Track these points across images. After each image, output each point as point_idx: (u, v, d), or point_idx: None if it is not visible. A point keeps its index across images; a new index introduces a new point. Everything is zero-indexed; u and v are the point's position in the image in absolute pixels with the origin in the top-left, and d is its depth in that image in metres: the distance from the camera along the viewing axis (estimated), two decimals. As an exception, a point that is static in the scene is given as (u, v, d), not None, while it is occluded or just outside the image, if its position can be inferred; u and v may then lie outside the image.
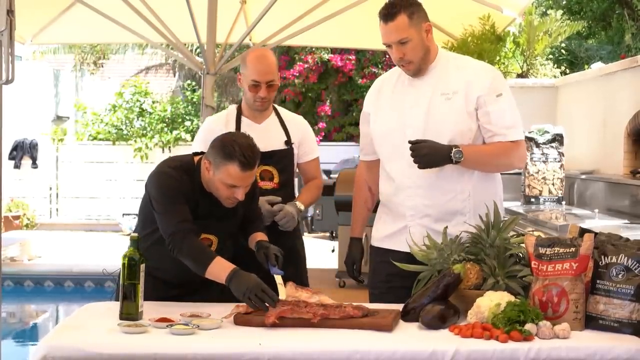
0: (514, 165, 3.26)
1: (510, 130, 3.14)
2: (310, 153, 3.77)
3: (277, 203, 3.55)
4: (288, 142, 3.67)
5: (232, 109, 3.74)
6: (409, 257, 3.05)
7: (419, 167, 3.05)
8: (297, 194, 3.80)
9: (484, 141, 3.18)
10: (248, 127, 3.63)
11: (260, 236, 3.24)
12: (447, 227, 3.03)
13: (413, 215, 3.16)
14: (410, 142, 3.04)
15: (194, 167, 3.12)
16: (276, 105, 3.76)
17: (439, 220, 3.12)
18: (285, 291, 2.92)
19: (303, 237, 3.95)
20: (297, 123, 3.77)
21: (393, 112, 3.24)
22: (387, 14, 3.11)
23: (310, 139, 3.78)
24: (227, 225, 3.20)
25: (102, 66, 19.09)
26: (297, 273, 3.65)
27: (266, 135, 3.60)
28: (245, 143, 3.00)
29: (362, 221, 3.48)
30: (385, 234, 3.29)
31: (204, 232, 3.13)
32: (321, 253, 9.95)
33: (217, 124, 3.67)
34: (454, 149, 3.03)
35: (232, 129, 3.61)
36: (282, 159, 3.64)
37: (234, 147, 2.97)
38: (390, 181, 3.26)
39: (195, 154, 3.20)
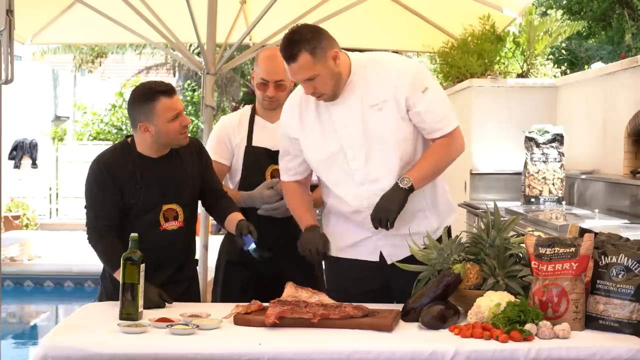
0: (457, 155, 3.16)
1: (442, 122, 3.06)
2: None
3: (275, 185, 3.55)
4: None
5: (247, 108, 3.78)
6: (376, 265, 3.12)
7: (390, 228, 2.95)
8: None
9: (424, 139, 3.13)
10: (261, 126, 3.67)
11: (240, 216, 3.31)
12: (447, 227, 3.04)
13: (378, 229, 3.07)
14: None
15: (127, 144, 3.24)
16: None
17: (403, 225, 3.08)
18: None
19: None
20: None
21: (326, 135, 3.11)
22: (288, 56, 2.94)
23: None
24: (185, 192, 3.26)
25: (101, 65, 19.09)
26: (311, 277, 3.64)
27: (278, 134, 3.63)
28: (151, 81, 3.21)
29: (311, 210, 3.30)
30: (348, 243, 3.22)
31: (166, 203, 3.21)
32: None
33: (231, 122, 3.75)
34: (398, 181, 2.97)
35: (245, 127, 3.68)
36: None
37: (147, 88, 3.15)
38: (345, 204, 3.17)
39: (127, 136, 3.32)
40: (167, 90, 3.12)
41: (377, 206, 2.97)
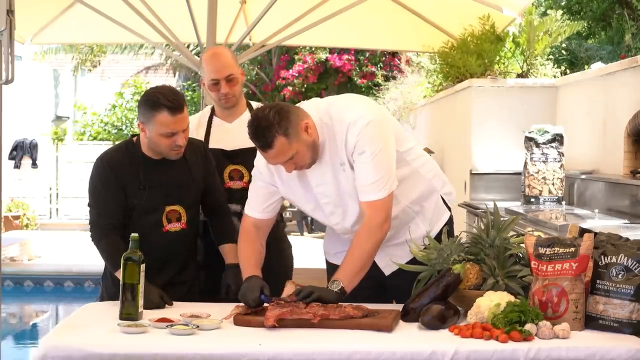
0: (381, 237, 2.93)
1: (366, 188, 2.89)
2: None
3: None
4: None
5: (207, 109, 3.76)
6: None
7: (307, 302, 2.73)
8: None
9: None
10: (219, 126, 3.66)
11: (231, 257, 3.27)
12: (446, 226, 3.03)
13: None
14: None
15: (132, 143, 3.23)
16: (254, 103, 3.70)
17: (396, 236, 3.10)
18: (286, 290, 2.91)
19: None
20: None
21: (304, 191, 3.06)
22: (263, 145, 2.81)
23: None
24: (189, 194, 3.25)
25: (100, 64, 19.09)
26: (284, 272, 3.64)
27: (235, 134, 3.58)
28: (167, 89, 3.11)
29: (257, 262, 3.07)
30: (339, 250, 3.18)
31: (168, 204, 3.20)
32: (321, 253, 9.91)
33: (190, 123, 3.71)
34: (329, 284, 2.86)
35: (204, 128, 3.65)
36: (251, 157, 3.39)
37: (157, 96, 3.07)
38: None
39: (132, 135, 3.29)
40: (172, 106, 3.04)
41: (310, 285, 2.83)
